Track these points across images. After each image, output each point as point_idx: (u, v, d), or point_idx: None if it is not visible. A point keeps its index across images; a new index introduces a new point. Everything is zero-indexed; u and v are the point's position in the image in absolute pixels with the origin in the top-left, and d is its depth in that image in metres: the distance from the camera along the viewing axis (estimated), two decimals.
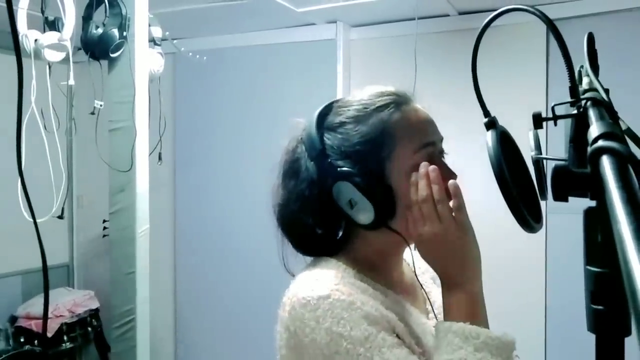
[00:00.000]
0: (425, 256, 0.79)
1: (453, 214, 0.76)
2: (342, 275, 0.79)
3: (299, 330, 0.74)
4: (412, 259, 0.92)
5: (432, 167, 0.78)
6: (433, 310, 0.91)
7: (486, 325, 0.75)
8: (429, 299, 0.92)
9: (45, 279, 0.89)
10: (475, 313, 0.75)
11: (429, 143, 0.83)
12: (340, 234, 0.88)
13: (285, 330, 0.78)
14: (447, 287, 0.78)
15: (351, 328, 0.71)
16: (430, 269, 0.86)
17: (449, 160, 0.86)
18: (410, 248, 0.86)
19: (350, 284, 0.77)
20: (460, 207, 0.77)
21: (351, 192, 0.78)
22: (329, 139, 0.83)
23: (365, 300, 0.75)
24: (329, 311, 0.72)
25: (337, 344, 0.71)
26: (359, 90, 0.89)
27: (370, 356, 0.70)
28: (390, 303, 0.80)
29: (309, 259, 0.89)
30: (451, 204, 0.77)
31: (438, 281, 0.96)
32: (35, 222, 0.92)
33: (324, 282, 0.77)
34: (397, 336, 0.74)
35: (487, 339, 0.70)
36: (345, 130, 0.83)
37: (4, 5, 0.83)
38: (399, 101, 0.84)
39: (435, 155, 0.84)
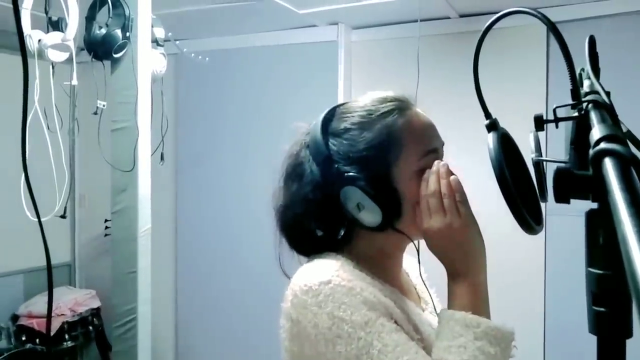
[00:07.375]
0: (431, 248, 0.81)
1: (458, 208, 0.78)
2: (341, 264, 0.80)
3: (301, 317, 0.76)
4: (415, 263, 0.93)
5: (443, 162, 0.82)
6: (435, 307, 0.92)
7: (488, 316, 0.77)
8: (430, 296, 0.94)
9: (50, 278, 0.89)
10: (477, 303, 0.77)
11: (432, 150, 0.85)
12: (342, 234, 0.89)
13: (288, 320, 0.79)
14: (452, 277, 0.80)
15: (352, 312, 0.73)
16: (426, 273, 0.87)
17: (451, 161, 0.87)
18: (415, 244, 0.87)
19: (349, 271, 0.79)
20: (464, 201, 0.79)
21: (359, 197, 0.80)
22: (335, 144, 0.84)
23: (364, 287, 0.76)
24: (330, 296, 0.74)
25: (339, 328, 0.73)
26: (360, 96, 0.91)
27: (370, 340, 0.72)
28: (387, 292, 0.82)
29: (305, 259, 0.90)
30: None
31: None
32: (40, 222, 0.92)
33: (324, 269, 0.79)
34: (395, 322, 0.76)
35: (487, 328, 0.72)
36: (351, 137, 0.84)
37: (8, 5, 0.83)
38: (402, 106, 0.86)
39: (439, 160, 0.85)
